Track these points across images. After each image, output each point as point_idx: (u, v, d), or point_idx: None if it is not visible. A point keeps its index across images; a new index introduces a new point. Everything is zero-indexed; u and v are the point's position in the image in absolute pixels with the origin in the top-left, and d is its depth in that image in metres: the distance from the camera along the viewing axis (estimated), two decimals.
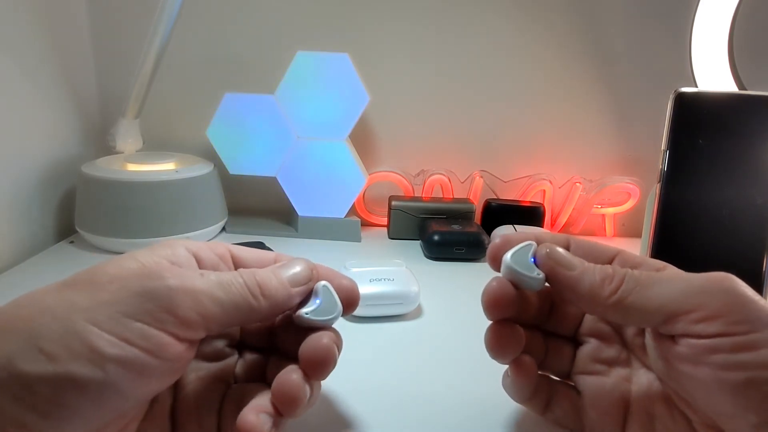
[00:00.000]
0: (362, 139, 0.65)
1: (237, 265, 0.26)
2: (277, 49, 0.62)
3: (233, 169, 0.60)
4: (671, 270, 0.24)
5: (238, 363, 0.26)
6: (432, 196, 0.66)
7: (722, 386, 0.20)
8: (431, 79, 0.65)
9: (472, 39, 0.64)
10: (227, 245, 0.27)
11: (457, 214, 0.62)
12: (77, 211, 0.53)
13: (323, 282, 0.26)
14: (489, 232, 0.60)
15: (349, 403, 0.30)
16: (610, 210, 0.66)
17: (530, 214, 0.62)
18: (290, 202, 0.60)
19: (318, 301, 0.25)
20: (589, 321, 0.28)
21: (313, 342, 0.24)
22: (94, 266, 0.21)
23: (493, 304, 0.25)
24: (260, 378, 0.26)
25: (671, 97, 0.40)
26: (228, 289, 0.22)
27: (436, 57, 0.64)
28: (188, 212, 0.54)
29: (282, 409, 0.22)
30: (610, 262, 0.25)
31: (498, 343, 0.26)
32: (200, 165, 0.57)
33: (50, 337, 0.18)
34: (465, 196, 0.66)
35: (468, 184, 0.67)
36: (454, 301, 0.45)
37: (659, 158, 0.41)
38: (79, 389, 0.18)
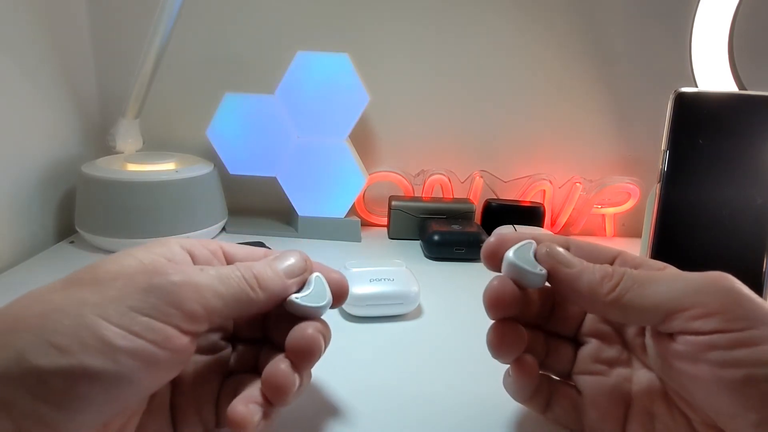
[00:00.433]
0: (362, 139, 0.65)
1: (229, 261, 0.27)
2: (277, 49, 0.62)
3: (233, 169, 0.60)
4: (670, 269, 0.24)
5: (232, 355, 0.27)
6: (432, 196, 0.66)
7: (721, 384, 0.20)
8: (431, 79, 0.65)
9: (472, 39, 0.64)
10: (218, 242, 0.28)
11: (457, 214, 0.62)
12: (77, 211, 0.53)
13: (317, 273, 0.27)
14: (489, 232, 0.60)
15: (349, 403, 0.30)
16: (610, 210, 0.66)
17: (530, 214, 0.62)
18: (290, 202, 0.60)
19: (310, 289, 0.26)
20: (589, 321, 0.28)
21: (298, 332, 0.24)
22: (92, 265, 0.22)
23: (496, 302, 0.25)
24: (253, 369, 0.27)
25: (671, 97, 0.40)
26: (228, 282, 0.23)
27: (436, 57, 0.64)
28: (188, 212, 0.54)
29: (271, 398, 0.23)
30: (611, 264, 0.25)
31: (500, 343, 0.26)
32: (200, 165, 0.57)
33: (62, 332, 0.18)
34: (465, 196, 0.66)
35: (468, 184, 0.67)
36: (454, 301, 0.45)
37: (659, 158, 0.41)
38: (93, 380, 0.18)
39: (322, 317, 0.26)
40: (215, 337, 0.27)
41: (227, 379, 0.26)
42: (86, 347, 0.18)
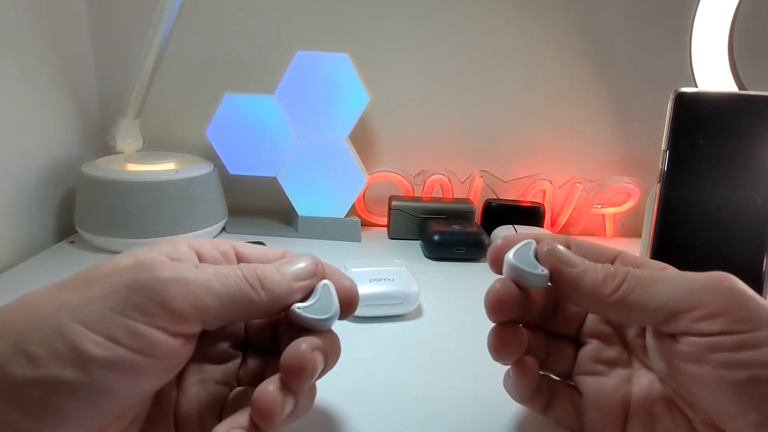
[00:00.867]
0: (362, 139, 0.65)
1: (240, 261, 0.26)
2: (277, 49, 0.62)
3: (233, 169, 0.60)
4: (672, 270, 0.24)
5: (242, 365, 0.26)
6: (432, 196, 0.66)
7: (724, 385, 0.20)
8: (431, 79, 0.65)
9: (472, 39, 0.64)
10: (232, 242, 0.26)
11: (457, 214, 0.62)
12: (77, 211, 0.53)
13: (326, 281, 0.25)
14: (489, 232, 0.60)
15: (349, 403, 0.30)
16: (610, 210, 0.66)
17: (530, 214, 0.62)
18: (290, 202, 0.60)
19: (315, 299, 0.24)
20: (590, 321, 0.28)
21: (290, 347, 0.22)
22: (93, 265, 0.21)
23: (497, 306, 0.25)
24: (262, 379, 0.25)
25: (671, 97, 0.40)
26: (225, 281, 0.21)
27: (436, 57, 0.64)
28: (188, 212, 0.54)
29: (258, 423, 0.21)
30: (611, 263, 0.25)
31: (501, 346, 0.25)
32: (200, 165, 0.57)
33: (37, 340, 0.17)
34: (465, 196, 0.66)
35: (468, 184, 0.67)
36: (454, 301, 0.45)
37: (659, 158, 0.41)
38: (67, 393, 0.17)
39: (331, 330, 0.25)
40: (225, 344, 0.25)
41: (234, 390, 0.25)
42: (58, 357, 0.17)
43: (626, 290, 0.23)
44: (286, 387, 0.22)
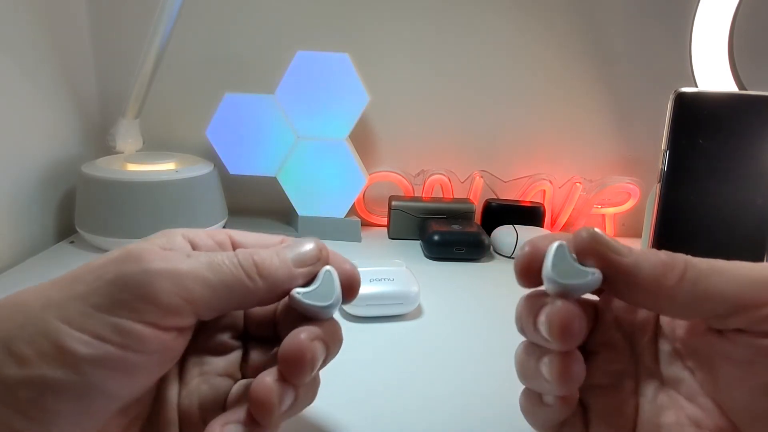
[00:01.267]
0: (362, 139, 0.65)
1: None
2: (277, 49, 0.62)
3: (233, 169, 0.60)
4: (722, 261, 0.22)
5: (245, 357, 0.25)
6: (432, 196, 0.66)
7: None
8: (431, 79, 0.65)
9: (472, 39, 0.64)
10: (228, 231, 0.25)
11: (457, 214, 0.62)
12: (77, 211, 0.53)
13: (328, 267, 0.24)
14: (489, 232, 0.60)
15: (348, 403, 0.30)
16: (610, 210, 0.66)
17: (530, 214, 0.62)
18: (290, 202, 0.60)
19: (316, 284, 0.23)
20: (602, 330, 0.26)
21: (289, 337, 0.21)
22: (88, 261, 0.20)
23: (568, 331, 0.20)
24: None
25: (671, 97, 0.40)
26: (218, 269, 0.20)
27: (436, 57, 0.64)
28: (188, 212, 0.54)
29: (256, 416, 0.20)
30: None
31: (570, 377, 0.21)
32: (200, 165, 0.57)
33: (23, 339, 0.17)
34: (465, 196, 0.66)
35: (468, 184, 0.67)
36: (454, 301, 0.45)
37: (659, 158, 0.41)
38: (57, 392, 0.17)
39: (333, 318, 0.23)
40: (224, 336, 0.24)
41: (237, 383, 0.24)
42: (45, 357, 0.17)
43: (690, 280, 0.20)
44: (284, 379, 0.21)
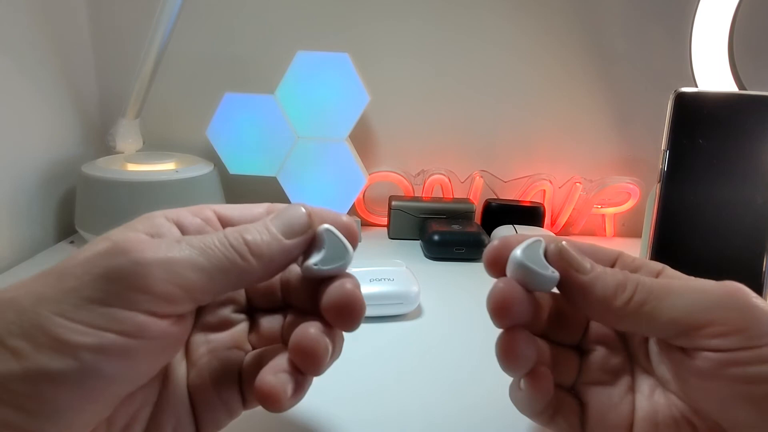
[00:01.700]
0: (362, 139, 0.65)
1: (225, 225, 0.24)
2: (277, 49, 0.62)
3: (233, 169, 0.60)
4: (676, 277, 0.23)
5: (252, 328, 0.25)
6: (432, 196, 0.66)
7: (740, 398, 0.20)
8: (431, 79, 0.65)
9: (472, 39, 0.64)
10: (212, 206, 0.24)
11: (457, 214, 0.62)
12: (77, 211, 0.53)
13: (325, 226, 0.23)
14: (489, 232, 0.60)
15: (348, 403, 0.30)
16: (610, 210, 0.66)
17: (530, 214, 0.62)
18: (290, 202, 0.60)
19: (324, 249, 0.23)
20: (595, 327, 0.26)
21: (336, 290, 0.22)
22: (73, 254, 0.20)
23: (503, 307, 0.22)
24: (277, 341, 0.24)
25: (671, 97, 0.40)
26: (210, 253, 0.20)
27: (437, 57, 0.64)
28: None
29: (303, 366, 0.21)
30: (611, 266, 0.24)
31: (513, 355, 0.23)
32: (200, 165, 0.57)
33: (16, 334, 0.17)
34: (465, 196, 0.66)
35: (468, 184, 0.67)
36: (454, 301, 0.45)
37: (659, 158, 0.41)
38: (55, 382, 0.17)
39: (347, 271, 0.23)
40: (226, 311, 0.24)
41: (249, 354, 0.24)
42: (41, 348, 0.17)
43: (637, 302, 0.21)
44: (327, 329, 0.22)
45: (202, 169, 0.56)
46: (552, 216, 0.67)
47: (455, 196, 0.66)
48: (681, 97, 0.40)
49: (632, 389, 0.25)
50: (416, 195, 0.66)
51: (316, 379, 0.29)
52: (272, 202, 0.26)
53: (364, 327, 0.40)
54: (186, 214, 0.23)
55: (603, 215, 0.67)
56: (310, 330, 0.21)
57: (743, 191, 0.39)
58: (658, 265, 0.24)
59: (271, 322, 0.25)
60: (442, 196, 0.66)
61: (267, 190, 0.63)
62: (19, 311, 0.17)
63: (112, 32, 0.63)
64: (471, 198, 0.65)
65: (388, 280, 0.42)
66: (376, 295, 0.41)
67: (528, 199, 0.66)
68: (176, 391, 0.22)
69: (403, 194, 0.66)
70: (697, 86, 0.48)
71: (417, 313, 0.43)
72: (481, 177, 0.66)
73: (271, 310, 0.25)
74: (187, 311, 0.20)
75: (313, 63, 0.57)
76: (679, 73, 0.51)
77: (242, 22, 0.63)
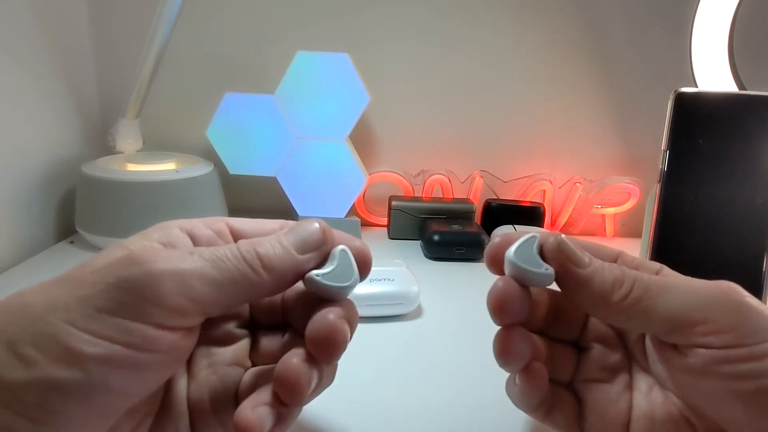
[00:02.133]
0: (362, 139, 0.65)
1: (237, 239, 0.24)
2: (277, 49, 0.62)
3: (233, 169, 0.60)
4: (673, 276, 0.24)
5: (254, 344, 0.25)
6: (432, 196, 0.66)
7: (732, 395, 0.20)
8: (431, 78, 0.65)
9: (472, 39, 0.64)
10: (225, 219, 0.25)
11: (457, 214, 0.62)
12: (77, 211, 0.53)
13: (342, 246, 0.23)
14: (489, 232, 0.60)
15: (347, 403, 0.30)
16: (610, 210, 0.66)
17: (530, 214, 0.62)
18: (290, 202, 0.60)
19: (334, 265, 0.22)
20: (594, 325, 0.27)
21: (318, 319, 0.21)
22: (85, 260, 0.20)
23: (501, 306, 0.22)
24: (276, 359, 0.23)
25: (671, 97, 0.40)
26: (222, 266, 0.20)
27: (437, 57, 0.64)
28: (188, 212, 0.54)
29: (284, 397, 0.20)
30: None
31: (509, 352, 0.23)
32: (200, 165, 0.57)
33: (28, 342, 0.17)
34: (465, 196, 0.66)
35: (468, 184, 0.67)
36: (454, 301, 0.45)
37: (659, 158, 0.41)
38: (63, 393, 0.17)
39: (348, 298, 0.23)
40: (230, 325, 0.24)
41: (249, 371, 0.23)
42: (52, 357, 0.17)
43: (634, 298, 0.22)
44: (310, 359, 0.21)
45: (202, 169, 0.56)
46: (552, 216, 0.67)
47: (455, 196, 0.66)
48: (681, 97, 0.40)
49: (630, 387, 0.25)
50: (416, 195, 0.66)
51: None
52: (272, 202, 0.26)
53: (364, 327, 0.40)
54: (199, 225, 0.23)
55: (603, 215, 0.67)
56: (293, 360, 0.20)
57: (743, 191, 0.39)
58: (656, 265, 0.24)
59: (271, 341, 0.24)
60: (442, 196, 0.66)
61: (267, 190, 0.63)
62: (31, 317, 0.17)
63: (113, 32, 0.63)
64: (471, 198, 0.65)
65: (388, 280, 0.42)
66: (376, 295, 0.41)
67: (528, 199, 0.66)
68: (177, 404, 0.22)
69: (403, 194, 0.66)
70: (697, 86, 0.48)
71: (417, 313, 0.43)
72: (481, 177, 0.66)
73: (273, 328, 0.25)
74: (196, 324, 0.20)
75: (313, 63, 0.57)
76: (679, 73, 0.51)
77: (242, 22, 0.63)
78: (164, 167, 0.54)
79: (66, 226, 0.58)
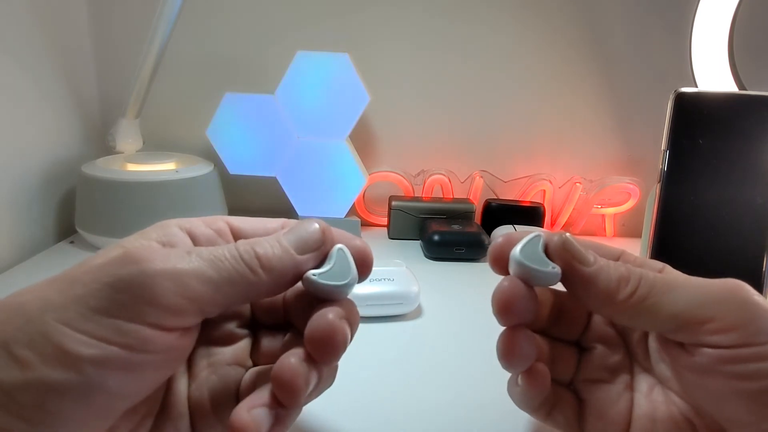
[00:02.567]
0: (362, 139, 0.65)
1: (237, 238, 0.24)
2: (277, 49, 0.62)
3: (233, 169, 0.60)
4: (678, 274, 0.23)
5: (254, 344, 0.24)
6: (432, 196, 0.66)
7: (737, 395, 0.20)
8: (431, 79, 0.65)
9: (472, 39, 0.64)
10: (226, 218, 0.24)
11: (457, 214, 0.62)
12: (77, 211, 0.53)
13: (340, 245, 0.23)
14: (489, 232, 0.60)
15: (347, 403, 0.30)
16: (610, 210, 0.66)
17: (530, 214, 0.62)
18: (290, 202, 0.60)
19: (331, 265, 0.22)
20: (596, 324, 0.27)
21: (316, 318, 0.21)
22: (83, 260, 0.20)
23: (507, 307, 0.22)
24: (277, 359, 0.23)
25: (671, 97, 0.40)
26: (219, 265, 0.20)
27: (437, 57, 0.64)
28: (188, 212, 0.54)
29: (281, 398, 0.20)
30: None
31: (514, 353, 0.23)
32: (200, 165, 0.57)
33: (22, 342, 0.17)
34: (465, 196, 0.66)
35: (468, 184, 0.67)
36: (454, 301, 0.45)
37: (659, 158, 0.41)
38: (59, 394, 0.17)
39: (348, 298, 0.23)
40: (231, 325, 0.24)
41: (249, 371, 0.23)
42: (46, 359, 0.16)
43: (640, 296, 0.21)
44: (309, 359, 0.20)
45: (202, 169, 0.56)
46: (552, 216, 0.67)
47: (455, 196, 0.66)
48: (681, 97, 0.40)
49: (631, 387, 0.25)
50: (416, 195, 0.66)
51: None
52: (272, 202, 0.26)
53: (364, 327, 0.40)
54: (199, 224, 0.23)
55: (603, 215, 0.67)
56: (290, 360, 0.20)
57: (743, 191, 0.39)
58: (658, 264, 0.24)
59: (272, 341, 0.24)
60: (442, 196, 0.66)
61: (267, 190, 0.63)
62: (26, 317, 0.17)
63: (113, 32, 0.63)
64: (471, 198, 0.65)
65: (388, 280, 0.42)
66: (376, 295, 0.41)
67: (528, 199, 0.66)
68: (177, 404, 0.22)
69: (403, 194, 0.66)
70: (697, 86, 0.48)
71: (417, 313, 0.43)
72: (481, 177, 0.66)
73: (275, 327, 0.25)
74: (194, 324, 0.20)
75: (313, 63, 0.57)
76: (679, 73, 0.51)
77: (242, 22, 0.63)
78: (164, 167, 0.54)
79: (66, 226, 0.58)
